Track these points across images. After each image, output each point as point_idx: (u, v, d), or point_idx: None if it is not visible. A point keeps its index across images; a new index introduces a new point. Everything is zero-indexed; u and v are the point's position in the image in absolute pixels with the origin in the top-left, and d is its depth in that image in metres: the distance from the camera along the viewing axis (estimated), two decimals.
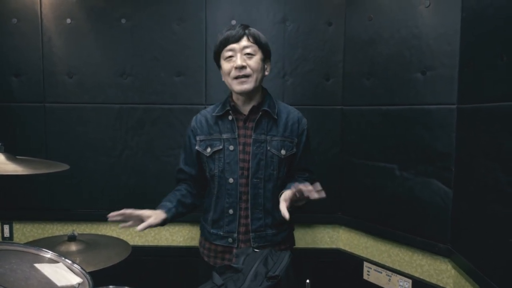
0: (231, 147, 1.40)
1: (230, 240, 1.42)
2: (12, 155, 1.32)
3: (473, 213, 1.39)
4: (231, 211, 1.41)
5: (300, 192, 1.20)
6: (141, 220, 1.29)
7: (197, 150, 1.45)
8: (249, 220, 1.41)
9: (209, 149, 1.43)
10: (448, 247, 1.55)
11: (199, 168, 1.48)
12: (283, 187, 1.41)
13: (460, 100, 1.51)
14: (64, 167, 1.37)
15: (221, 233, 1.43)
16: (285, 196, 1.27)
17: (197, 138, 1.46)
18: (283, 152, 1.41)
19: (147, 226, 1.27)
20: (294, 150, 1.44)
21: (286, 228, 1.49)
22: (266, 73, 1.43)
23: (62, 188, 2.04)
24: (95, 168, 2.03)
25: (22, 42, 2.01)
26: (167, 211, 1.37)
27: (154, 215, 1.32)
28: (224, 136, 1.41)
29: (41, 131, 2.02)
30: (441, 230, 1.57)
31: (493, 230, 1.25)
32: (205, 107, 1.97)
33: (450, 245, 1.55)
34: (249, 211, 1.40)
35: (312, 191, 1.17)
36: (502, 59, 1.22)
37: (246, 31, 1.36)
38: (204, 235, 1.50)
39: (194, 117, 1.51)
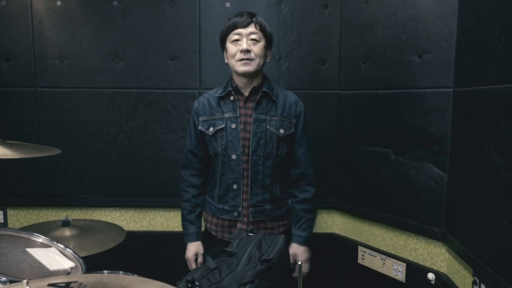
0: (233, 125, 1.47)
1: (235, 214, 1.50)
2: (1, 139, 1.30)
3: (468, 197, 1.39)
4: (235, 186, 1.48)
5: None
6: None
7: (200, 130, 1.52)
8: (249, 195, 1.48)
9: (211, 129, 1.49)
10: (442, 231, 1.56)
11: (205, 148, 1.55)
12: (282, 165, 1.52)
13: (457, 84, 1.50)
14: (56, 151, 1.35)
15: (227, 208, 1.51)
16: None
17: (200, 119, 1.52)
18: (281, 131, 1.48)
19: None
20: (293, 130, 1.51)
21: (284, 205, 1.56)
22: (268, 60, 1.51)
23: (56, 174, 2.02)
24: (89, 154, 2.01)
25: (12, 25, 1.96)
26: (198, 236, 1.56)
27: (201, 251, 1.56)
28: (226, 115, 1.48)
29: (33, 117, 2.00)
30: (436, 214, 1.58)
31: (487, 213, 1.25)
32: (199, 92, 1.95)
33: (445, 229, 1.55)
34: (249, 187, 1.47)
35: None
36: (499, 40, 1.20)
37: (254, 19, 1.44)
38: (210, 210, 1.57)
39: (197, 100, 1.57)
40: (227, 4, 1.94)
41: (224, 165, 1.48)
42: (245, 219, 1.49)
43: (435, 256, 1.62)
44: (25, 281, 0.52)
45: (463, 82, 1.45)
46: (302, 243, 1.54)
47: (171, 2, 1.95)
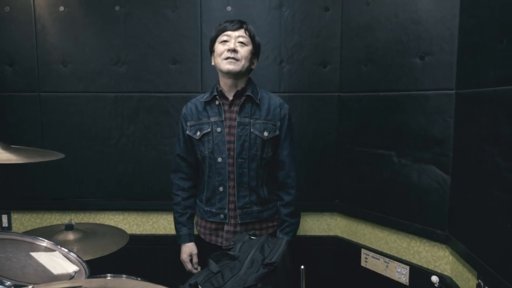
0: (219, 129, 1.50)
1: (221, 216, 1.52)
2: (6, 144, 1.30)
3: (471, 199, 1.38)
4: (221, 189, 1.51)
5: None
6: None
7: (188, 135, 1.55)
8: (236, 197, 1.50)
9: (198, 133, 1.53)
10: (445, 233, 1.55)
11: (193, 152, 1.58)
12: (268, 167, 1.55)
13: (459, 86, 1.49)
14: (59, 155, 1.35)
15: (214, 210, 1.53)
16: None
17: (188, 124, 1.56)
18: (265, 134, 1.50)
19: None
20: (277, 132, 1.53)
21: (272, 207, 1.58)
22: (253, 67, 1.55)
23: (60, 178, 2.03)
24: (92, 157, 2.02)
25: (16, 30, 1.98)
26: (190, 238, 1.59)
27: (194, 252, 1.59)
28: (212, 119, 1.52)
29: (36, 121, 2.01)
30: (439, 216, 1.57)
31: (491, 216, 1.25)
32: None
33: (448, 231, 1.55)
34: (235, 189, 1.50)
35: None
36: (501, 42, 1.20)
37: (244, 25, 1.49)
38: (200, 214, 1.60)
39: (185, 105, 1.61)
40: (228, 8, 1.95)
41: (211, 168, 1.51)
42: (232, 221, 1.52)
43: (439, 259, 1.61)
44: (30, 286, 0.52)
45: (465, 84, 1.45)
46: None
47: (173, 6, 1.96)
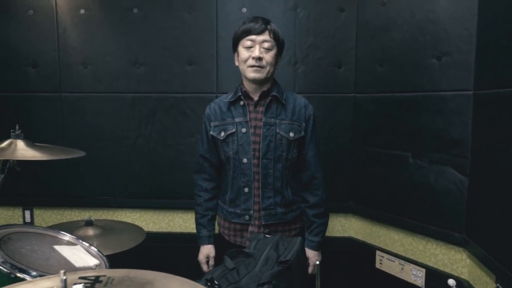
0: (244, 130, 1.49)
1: (246, 217, 1.51)
2: (31, 142, 1.36)
3: (490, 201, 1.36)
4: (246, 190, 1.50)
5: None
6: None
7: (212, 135, 1.53)
8: (260, 198, 1.49)
9: (222, 133, 1.51)
10: (463, 236, 1.53)
11: (217, 153, 1.56)
12: (292, 169, 1.53)
13: (477, 86, 1.48)
14: (81, 153, 1.41)
15: (238, 211, 1.52)
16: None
17: (212, 124, 1.54)
18: (291, 134, 1.48)
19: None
20: (303, 133, 1.51)
21: (296, 209, 1.56)
22: (277, 67, 1.53)
23: (79, 176, 2.09)
24: (110, 157, 2.07)
25: (39, 33, 2.05)
26: (210, 240, 1.57)
27: (212, 254, 1.57)
28: (237, 120, 1.50)
29: (57, 121, 2.08)
30: (456, 219, 1.55)
31: (510, 218, 1.23)
32: (216, 96, 1.98)
33: (465, 234, 1.53)
34: (260, 190, 1.48)
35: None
36: None
37: (268, 27, 1.45)
38: (223, 215, 1.58)
39: (208, 106, 1.59)
40: (244, 10, 1.98)
41: (236, 169, 1.50)
42: (256, 223, 1.50)
43: (456, 262, 1.59)
44: (62, 271, 0.55)
45: (483, 85, 1.43)
46: (313, 248, 1.54)
47: (189, 8, 2.00)
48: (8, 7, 2.04)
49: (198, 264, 1.60)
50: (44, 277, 0.65)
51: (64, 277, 0.54)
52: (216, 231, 1.63)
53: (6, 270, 1.00)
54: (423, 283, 1.69)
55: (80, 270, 1.03)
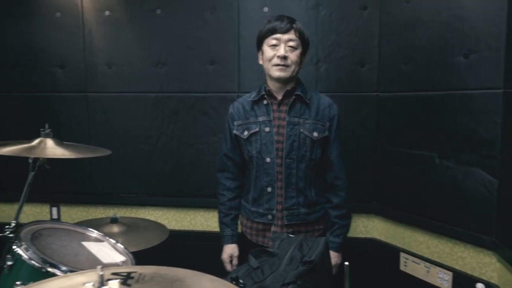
0: (267, 129, 1.48)
1: (269, 217, 1.50)
2: (60, 141, 1.40)
3: None
4: (269, 189, 1.49)
5: None
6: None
7: (235, 134, 1.53)
8: (283, 198, 1.48)
9: (246, 132, 1.51)
10: (492, 239, 1.48)
11: (240, 152, 1.57)
12: (316, 169, 1.51)
13: (507, 84, 1.42)
14: (107, 152, 1.44)
15: (261, 211, 1.51)
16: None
17: (235, 123, 1.54)
18: (315, 134, 1.47)
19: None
20: (327, 133, 1.50)
21: (319, 209, 1.54)
22: (301, 66, 1.51)
23: (104, 174, 2.14)
24: (134, 155, 2.11)
25: (66, 34, 2.11)
26: (233, 239, 1.58)
27: (235, 254, 1.58)
28: (260, 119, 1.50)
29: (83, 120, 2.13)
30: (485, 221, 1.50)
31: None
32: (238, 95, 1.99)
33: (495, 237, 1.48)
34: (283, 190, 1.47)
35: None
36: None
37: (294, 25, 1.44)
38: (245, 214, 1.58)
39: (231, 105, 1.59)
40: (265, 9, 1.97)
41: (259, 168, 1.50)
42: (279, 222, 1.49)
43: (485, 266, 1.54)
44: (99, 267, 0.57)
45: None
46: (334, 249, 1.52)
47: (211, 8, 2.01)
48: (36, 10, 2.11)
49: (221, 262, 1.61)
50: (79, 272, 0.66)
51: (101, 273, 0.55)
52: (239, 230, 1.64)
53: (37, 265, 1.04)
54: (450, 287, 1.64)
55: (107, 266, 1.05)
